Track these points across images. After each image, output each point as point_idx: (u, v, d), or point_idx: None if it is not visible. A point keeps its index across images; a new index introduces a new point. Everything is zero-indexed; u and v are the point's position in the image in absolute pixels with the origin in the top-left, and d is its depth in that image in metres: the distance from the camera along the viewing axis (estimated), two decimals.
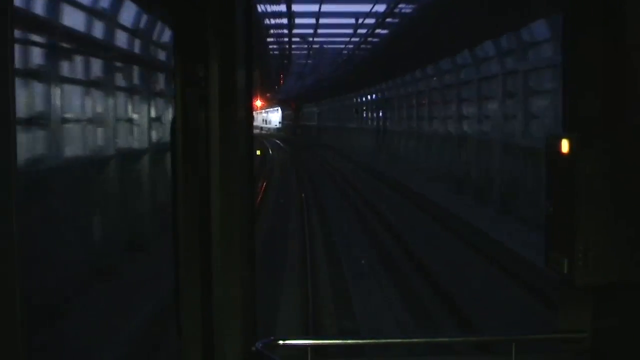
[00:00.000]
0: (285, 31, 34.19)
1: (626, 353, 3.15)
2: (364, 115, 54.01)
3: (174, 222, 3.23)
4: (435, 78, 32.41)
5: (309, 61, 50.12)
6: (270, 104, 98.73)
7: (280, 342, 3.27)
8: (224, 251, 3.30)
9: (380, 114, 46.69)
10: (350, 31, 34.03)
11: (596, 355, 3.28)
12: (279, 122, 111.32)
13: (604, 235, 3.00)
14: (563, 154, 3.05)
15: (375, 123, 48.73)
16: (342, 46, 40.09)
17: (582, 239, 2.99)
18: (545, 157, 3.22)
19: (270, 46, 39.43)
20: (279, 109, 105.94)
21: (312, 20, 31.86)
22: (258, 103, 68.63)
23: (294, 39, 36.89)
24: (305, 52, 46.00)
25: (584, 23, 3.23)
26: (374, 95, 49.62)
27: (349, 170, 40.78)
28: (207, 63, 3.24)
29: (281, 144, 73.00)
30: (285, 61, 47.09)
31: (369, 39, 34.42)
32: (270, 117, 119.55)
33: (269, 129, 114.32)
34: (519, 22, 19.02)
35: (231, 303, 3.33)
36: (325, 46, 43.12)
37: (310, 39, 37.38)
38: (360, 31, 32.80)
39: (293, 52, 44.09)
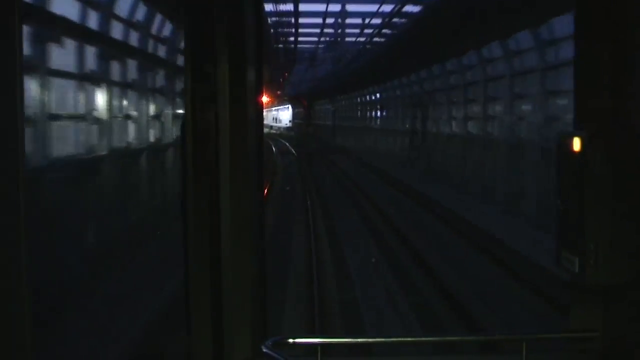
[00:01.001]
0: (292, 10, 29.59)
1: (637, 353, 3.12)
2: (392, 113, 43.41)
3: (184, 219, 3.24)
4: (526, 55, 19.84)
5: (323, 38, 41.34)
6: (280, 101, 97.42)
7: (290, 340, 3.29)
8: (233, 249, 3.33)
9: (418, 111, 34.88)
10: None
11: (607, 355, 3.28)
12: (289, 121, 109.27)
13: (615, 234, 3.00)
14: (574, 152, 3.03)
15: (408, 123, 37.25)
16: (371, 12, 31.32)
17: (593, 238, 3.00)
18: (557, 155, 3.20)
19: (278, 31, 34.92)
20: (290, 106, 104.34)
21: None
22: (264, 99, 64.30)
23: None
24: (316, 31, 38.64)
25: (592, 23, 3.24)
26: (406, 88, 38.82)
27: (378, 191, 27.91)
28: (216, 60, 3.26)
29: (290, 147, 61.88)
30: (292, 39, 39.25)
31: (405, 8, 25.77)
32: (280, 115, 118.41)
33: (279, 127, 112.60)
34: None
35: (241, 301, 3.36)
36: (347, 9, 34.22)
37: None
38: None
39: (302, 27, 36.46)
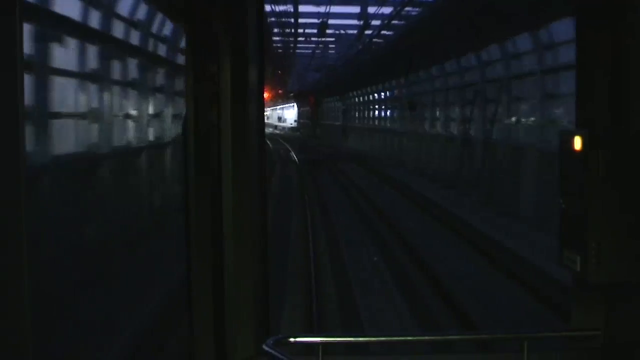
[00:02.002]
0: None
1: (639, 351, 3.14)
2: (428, 113, 33.17)
3: (186, 218, 3.26)
4: None
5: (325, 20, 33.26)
6: (285, 99, 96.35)
7: (291, 339, 3.33)
8: (236, 248, 3.37)
9: (474, 110, 24.42)
10: None
11: (609, 353, 3.31)
12: (295, 121, 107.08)
13: (617, 233, 3.02)
14: (576, 151, 3.06)
15: (457, 127, 27.27)
16: None
17: (595, 236, 3.03)
18: (558, 154, 3.22)
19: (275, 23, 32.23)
20: (295, 105, 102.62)
21: None
22: (266, 95, 53.40)
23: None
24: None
25: (593, 25, 3.29)
26: (453, 77, 28.63)
27: (432, 245, 16.71)
28: (219, 60, 3.28)
29: (292, 152, 51.42)
30: (293, 30, 35.13)
31: None
32: (285, 114, 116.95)
33: (284, 127, 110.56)
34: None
35: (243, 300, 3.40)
36: None
37: None
38: None
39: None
